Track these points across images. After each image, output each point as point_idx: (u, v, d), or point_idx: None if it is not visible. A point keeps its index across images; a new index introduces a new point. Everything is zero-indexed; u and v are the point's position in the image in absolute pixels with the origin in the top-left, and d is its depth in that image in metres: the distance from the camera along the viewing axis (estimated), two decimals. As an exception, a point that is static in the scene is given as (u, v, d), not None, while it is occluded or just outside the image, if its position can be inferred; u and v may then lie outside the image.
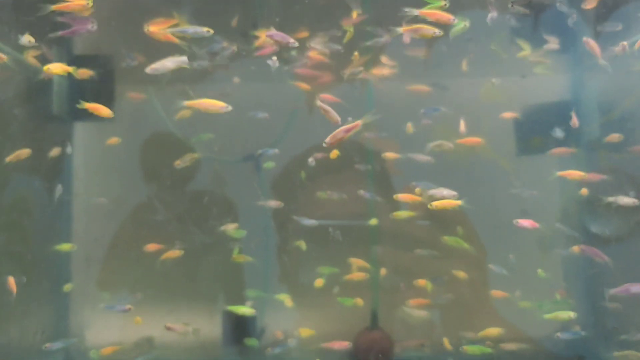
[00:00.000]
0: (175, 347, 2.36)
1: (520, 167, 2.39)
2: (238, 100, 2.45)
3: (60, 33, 2.04)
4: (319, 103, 1.93)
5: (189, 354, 2.40)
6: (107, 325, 2.42)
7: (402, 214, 2.24)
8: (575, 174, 2.19)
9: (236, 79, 2.43)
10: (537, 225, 2.08)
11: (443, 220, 2.32)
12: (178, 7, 2.30)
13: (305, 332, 2.22)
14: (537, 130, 2.37)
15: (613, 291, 2.09)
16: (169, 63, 1.90)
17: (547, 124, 2.34)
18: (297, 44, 2.06)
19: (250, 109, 2.40)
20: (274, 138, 2.43)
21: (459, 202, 1.96)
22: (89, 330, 2.43)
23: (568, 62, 2.39)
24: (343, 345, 2.18)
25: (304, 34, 2.29)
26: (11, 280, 2.08)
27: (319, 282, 2.26)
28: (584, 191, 2.26)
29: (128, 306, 2.20)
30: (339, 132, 1.81)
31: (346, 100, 2.35)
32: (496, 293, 2.29)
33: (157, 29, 1.94)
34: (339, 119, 1.87)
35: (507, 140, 2.42)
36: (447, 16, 1.87)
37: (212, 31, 2.00)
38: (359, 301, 2.28)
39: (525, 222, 2.07)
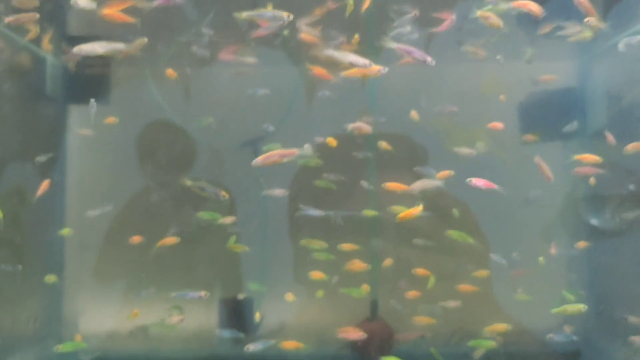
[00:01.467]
0: (171, 336, 2.32)
1: (525, 156, 2.35)
2: (239, 85, 2.43)
3: (155, 3, 1.98)
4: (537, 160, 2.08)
5: (185, 343, 2.37)
6: (101, 312, 2.38)
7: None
8: (591, 158, 2.14)
9: (251, 59, 2.34)
10: (493, 185, 2.02)
11: (445, 212, 2.28)
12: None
13: (289, 345, 2.17)
14: (542, 118, 2.32)
15: None
16: (98, 47, 1.85)
17: (552, 112, 2.30)
18: (434, 63, 1.98)
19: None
20: (274, 123, 2.39)
21: (418, 209, 1.92)
22: (83, 317, 2.39)
23: (575, 48, 2.34)
24: (358, 335, 2.13)
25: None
26: None
27: (318, 275, 2.22)
28: (592, 180, 2.21)
29: (203, 292, 2.16)
30: (274, 155, 1.81)
31: (349, 86, 2.32)
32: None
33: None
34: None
35: (511, 129, 2.37)
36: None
37: (292, 16, 1.95)
38: (365, 288, 2.24)
39: (480, 182, 2.01)
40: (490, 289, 2.29)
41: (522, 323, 2.27)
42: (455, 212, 2.27)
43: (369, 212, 2.26)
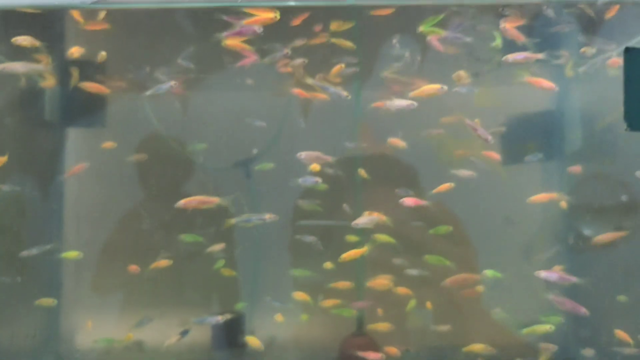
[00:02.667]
0: (164, 351, 2.39)
1: (507, 175, 2.42)
2: (230, 108, 2.51)
3: (225, 34, 2.04)
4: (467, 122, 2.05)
5: (178, 358, 2.43)
6: (97, 328, 2.44)
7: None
8: (544, 197, 2.23)
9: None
10: (422, 202, 2.08)
11: (433, 221, 2.33)
12: (171, 15, 2.35)
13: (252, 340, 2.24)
14: (520, 139, 2.39)
15: None
16: (19, 66, 1.90)
17: (530, 134, 2.37)
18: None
19: (243, 116, 2.43)
20: (264, 145, 2.46)
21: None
22: (80, 334, 2.45)
23: (552, 71, 2.41)
24: (377, 356, 2.20)
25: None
26: None
27: (301, 296, 2.28)
28: (563, 204, 2.30)
29: (220, 317, 2.23)
30: (194, 200, 1.93)
31: (335, 106, 2.40)
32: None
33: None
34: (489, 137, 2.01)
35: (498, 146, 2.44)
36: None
37: (349, 96, 2.10)
38: (353, 312, 2.31)
39: (410, 201, 2.08)
40: (480, 301, 2.34)
41: (512, 331, 2.32)
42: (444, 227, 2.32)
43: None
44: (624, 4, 2.17)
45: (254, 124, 2.41)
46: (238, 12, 2.05)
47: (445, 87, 2.03)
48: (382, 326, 2.28)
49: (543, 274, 2.08)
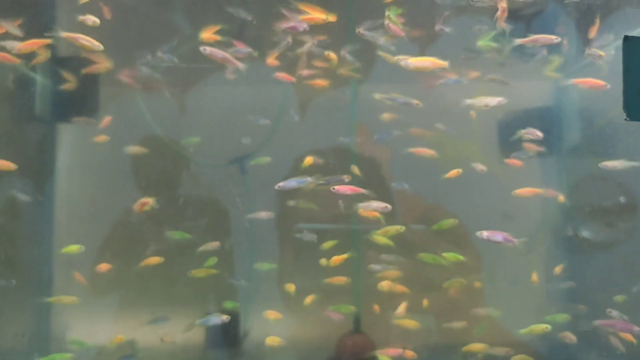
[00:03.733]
0: (157, 350, 2.35)
1: (506, 171, 2.40)
2: (226, 103, 2.49)
3: (285, 26, 2.13)
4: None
5: (172, 358, 2.40)
6: (88, 328, 2.41)
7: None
8: (528, 191, 2.23)
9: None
10: (359, 190, 2.07)
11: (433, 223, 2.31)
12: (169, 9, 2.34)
13: (272, 340, 2.21)
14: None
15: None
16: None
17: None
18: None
19: (238, 111, 2.41)
20: (261, 140, 2.44)
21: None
22: (71, 333, 2.42)
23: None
24: (397, 352, 2.17)
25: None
26: None
27: (291, 287, 2.26)
28: (561, 198, 2.29)
29: (224, 317, 2.20)
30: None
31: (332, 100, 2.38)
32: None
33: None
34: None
35: (495, 143, 2.42)
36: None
37: (420, 104, 2.17)
38: (351, 308, 2.29)
39: (344, 188, 2.07)
40: (482, 300, 2.32)
41: (514, 333, 2.29)
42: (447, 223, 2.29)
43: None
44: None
45: (257, 122, 2.39)
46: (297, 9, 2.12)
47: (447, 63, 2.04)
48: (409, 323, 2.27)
49: (485, 234, 2.02)
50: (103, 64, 2.26)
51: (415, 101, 2.22)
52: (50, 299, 2.34)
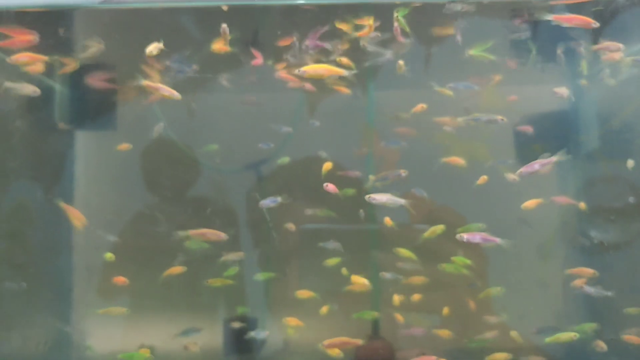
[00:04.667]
0: (176, 357, 2.36)
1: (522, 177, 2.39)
2: (241, 109, 2.49)
3: (308, 42, 2.15)
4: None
5: (190, 363, 2.41)
6: (109, 334, 2.42)
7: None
8: (533, 203, 2.20)
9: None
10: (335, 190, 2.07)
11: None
12: (178, 17, 2.35)
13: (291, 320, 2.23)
14: (536, 139, 2.37)
15: None
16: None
17: (545, 134, 2.35)
18: None
19: (254, 117, 2.42)
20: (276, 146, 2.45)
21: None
22: (91, 339, 2.43)
23: (566, 71, 2.40)
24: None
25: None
26: None
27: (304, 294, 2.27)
28: (582, 205, 2.28)
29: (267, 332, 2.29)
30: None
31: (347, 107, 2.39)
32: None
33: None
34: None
35: (509, 147, 2.42)
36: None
37: (505, 119, 2.16)
38: (374, 314, 2.30)
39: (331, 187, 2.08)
40: (490, 305, 2.32)
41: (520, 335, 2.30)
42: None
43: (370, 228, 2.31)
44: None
45: (280, 131, 2.40)
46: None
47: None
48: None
49: (465, 236, 2.00)
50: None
51: (499, 117, 2.18)
52: (100, 310, 2.32)
